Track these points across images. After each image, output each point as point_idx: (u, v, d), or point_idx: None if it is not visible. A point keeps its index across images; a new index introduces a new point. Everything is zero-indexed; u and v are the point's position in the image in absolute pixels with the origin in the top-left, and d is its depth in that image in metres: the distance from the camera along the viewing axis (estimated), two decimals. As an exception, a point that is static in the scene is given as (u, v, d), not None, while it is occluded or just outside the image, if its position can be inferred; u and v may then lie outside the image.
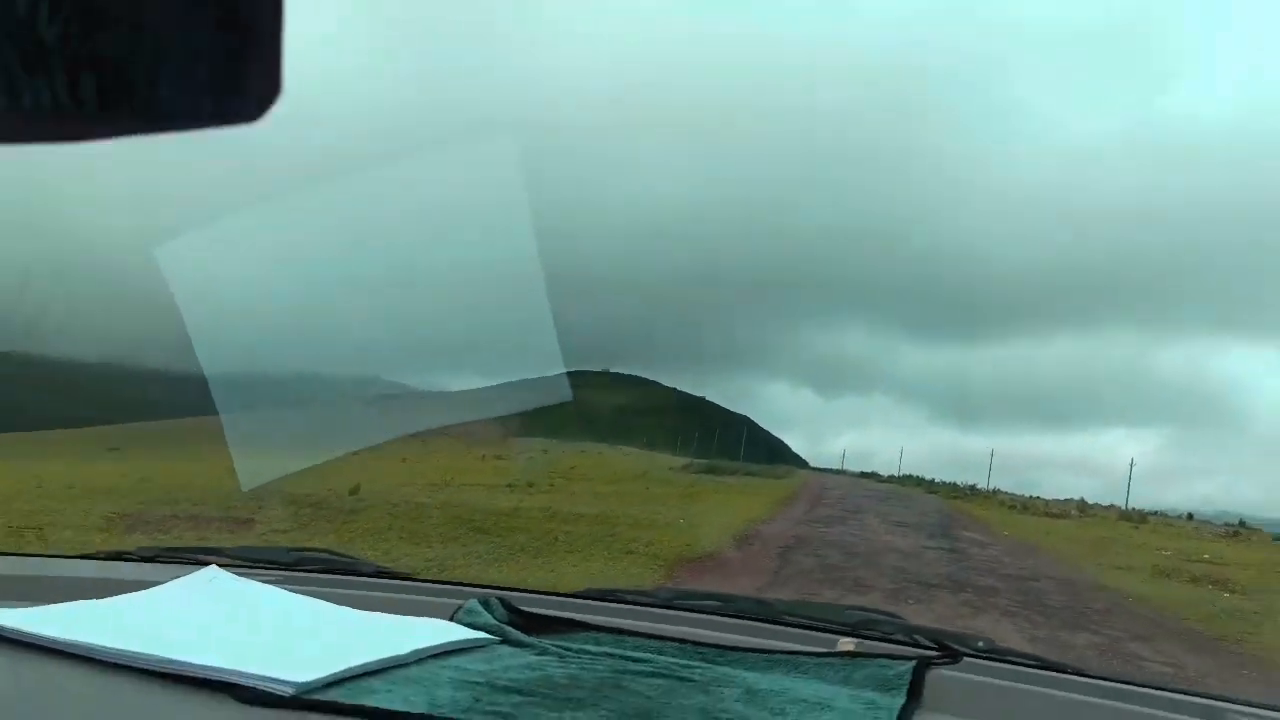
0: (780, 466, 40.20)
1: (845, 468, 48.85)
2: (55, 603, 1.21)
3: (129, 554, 1.70)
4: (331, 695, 0.98)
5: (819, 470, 47.08)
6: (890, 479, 41.08)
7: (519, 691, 1.05)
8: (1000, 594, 10.04)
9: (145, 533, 9.70)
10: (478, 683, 1.07)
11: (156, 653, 1.02)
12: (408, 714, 0.95)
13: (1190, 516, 31.80)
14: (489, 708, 0.98)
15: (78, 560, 1.70)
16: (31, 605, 1.18)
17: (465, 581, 1.79)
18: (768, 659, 1.28)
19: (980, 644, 1.47)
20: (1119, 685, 1.34)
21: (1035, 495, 33.18)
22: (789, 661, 1.28)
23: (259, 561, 1.67)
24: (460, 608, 1.40)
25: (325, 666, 1.02)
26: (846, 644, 1.40)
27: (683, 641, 1.33)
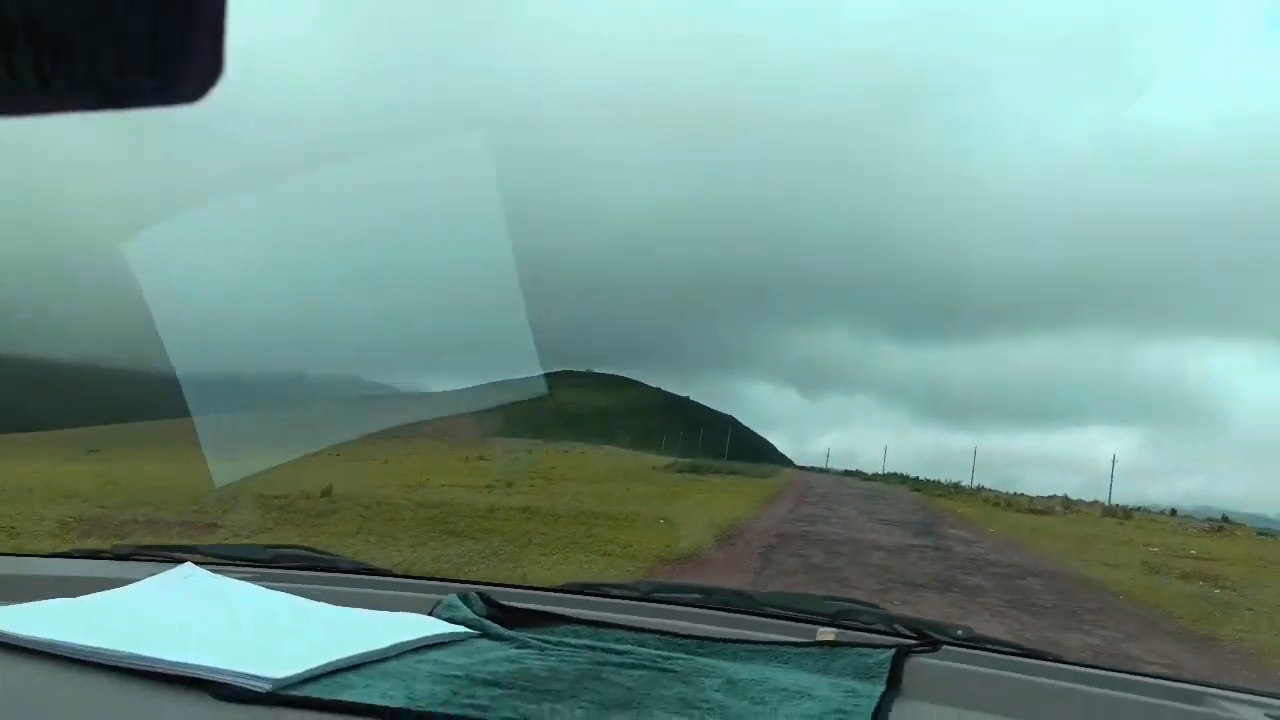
0: (764, 465, 39.95)
1: (830, 466, 48.70)
2: (28, 601, 1.20)
3: (104, 552, 1.69)
4: (309, 691, 0.96)
5: (803, 469, 46.82)
6: (874, 477, 40.93)
7: (498, 684, 1.04)
8: (988, 593, 9.71)
9: (100, 538, 9.24)
10: (456, 676, 1.06)
11: (132, 650, 1.00)
12: (385, 708, 0.94)
13: (1173, 512, 31.74)
14: (467, 701, 0.97)
15: (52, 559, 1.69)
16: (4, 604, 1.17)
17: (445, 577, 1.79)
18: (748, 650, 1.28)
19: (959, 632, 1.47)
20: (1097, 671, 1.34)
21: (1019, 492, 32.98)
22: (769, 652, 1.28)
23: (235, 559, 1.67)
24: (440, 602, 1.40)
25: (303, 662, 1.01)
26: (826, 634, 1.40)
27: (663, 633, 1.33)
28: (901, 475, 40.23)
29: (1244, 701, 1.22)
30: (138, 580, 1.36)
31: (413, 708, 0.94)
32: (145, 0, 0.30)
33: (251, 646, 1.08)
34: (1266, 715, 1.17)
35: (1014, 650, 1.43)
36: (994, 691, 1.19)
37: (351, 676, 1.03)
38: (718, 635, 1.34)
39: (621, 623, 1.38)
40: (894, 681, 1.18)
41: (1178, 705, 1.19)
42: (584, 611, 1.44)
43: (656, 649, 1.27)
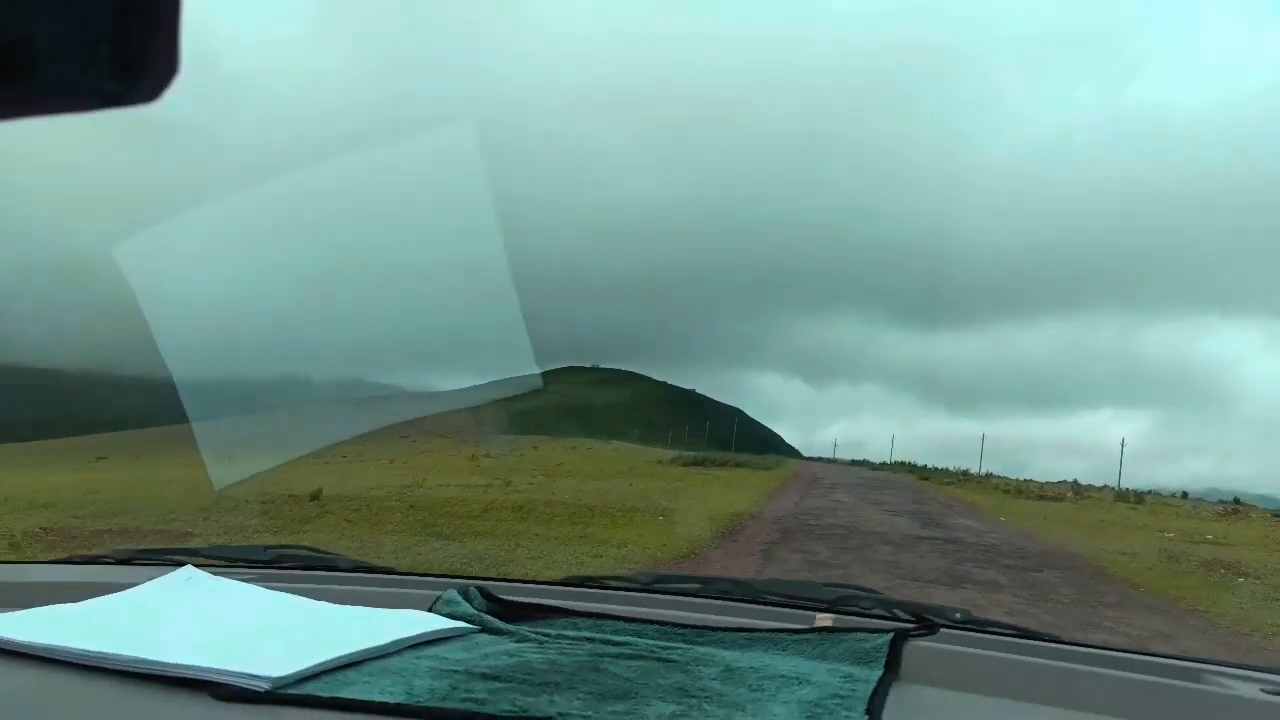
0: (770, 456, 39.43)
1: (837, 456, 48.09)
2: (30, 608, 1.21)
3: (105, 557, 1.71)
4: (308, 689, 0.97)
5: (810, 459, 46.20)
6: (882, 466, 40.36)
7: (497, 678, 1.04)
8: (1002, 588, 9.13)
9: (66, 549, 8.70)
10: (456, 671, 1.06)
11: (132, 653, 1.01)
12: (385, 704, 0.94)
13: (1184, 495, 31.02)
14: (465, 695, 0.97)
15: (53, 565, 1.71)
16: (6, 611, 1.19)
17: (444, 573, 1.85)
18: (747, 638, 1.29)
19: (957, 615, 1.49)
20: (1096, 651, 1.36)
21: (1028, 478, 32.33)
22: (768, 639, 1.28)
23: (236, 560, 1.69)
24: (439, 598, 1.40)
25: (302, 661, 1.01)
26: (824, 620, 1.40)
27: (662, 624, 1.33)
28: (909, 464, 39.59)
29: (1240, 677, 1.24)
30: (138, 584, 1.37)
31: (412, 703, 0.94)
32: (103, 1, 0.30)
33: (251, 646, 1.07)
34: (1262, 690, 1.17)
35: (1012, 632, 1.45)
36: (993, 674, 1.20)
37: (351, 674, 1.03)
38: (716, 624, 1.34)
39: (621, 614, 1.37)
40: (892, 665, 1.19)
41: (1175, 683, 1.19)
42: (583, 604, 1.44)
43: (655, 639, 1.28)
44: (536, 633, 1.27)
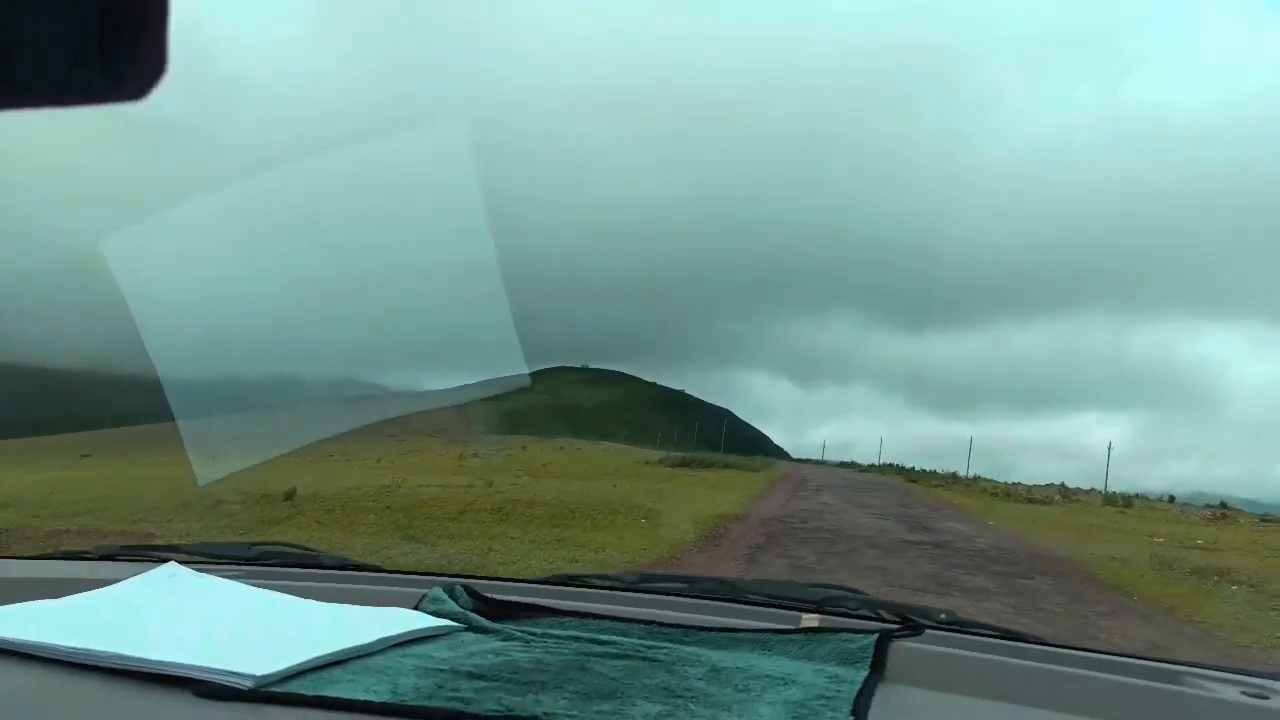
0: (758, 458, 39.08)
1: (826, 458, 47.79)
2: (11, 603, 1.20)
3: (87, 553, 1.69)
4: (292, 687, 0.96)
5: (799, 461, 45.91)
6: (870, 468, 40.09)
7: (482, 677, 1.03)
8: (991, 596, 8.85)
9: (17, 551, 8.20)
10: (441, 670, 1.05)
11: (114, 650, 1.00)
12: (369, 703, 0.93)
13: (1172, 499, 30.78)
14: (451, 694, 0.96)
15: (35, 561, 1.68)
16: None
17: (430, 570, 1.76)
18: (732, 637, 1.29)
19: (942, 615, 1.49)
20: (1079, 653, 1.37)
21: (1016, 481, 32.03)
22: (754, 639, 1.28)
23: (220, 557, 1.68)
24: (425, 596, 1.39)
25: (286, 659, 1.00)
26: (810, 620, 1.40)
27: (648, 623, 1.33)
28: (897, 466, 39.30)
29: (1221, 680, 1.24)
30: (121, 580, 1.35)
31: (396, 702, 0.93)
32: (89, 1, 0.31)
33: (234, 644, 1.07)
34: (1242, 693, 1.18)
35: (997, 633, 1.46)
36: (977, 674, 1.20)
37: (335, 672, 1.02)
38: (703, 624, 1.34)
39: (607, 613, 1.37)
40: (877, 666, 1.20)
41: (1157, 685, 1.20)
42: (570, 603, 1.44)
43: (641, 638, 1.28)
44: (522, 631, 1.28)
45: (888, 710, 1.06)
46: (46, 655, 1.00)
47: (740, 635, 1.28)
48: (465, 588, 1.42)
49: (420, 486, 16.82)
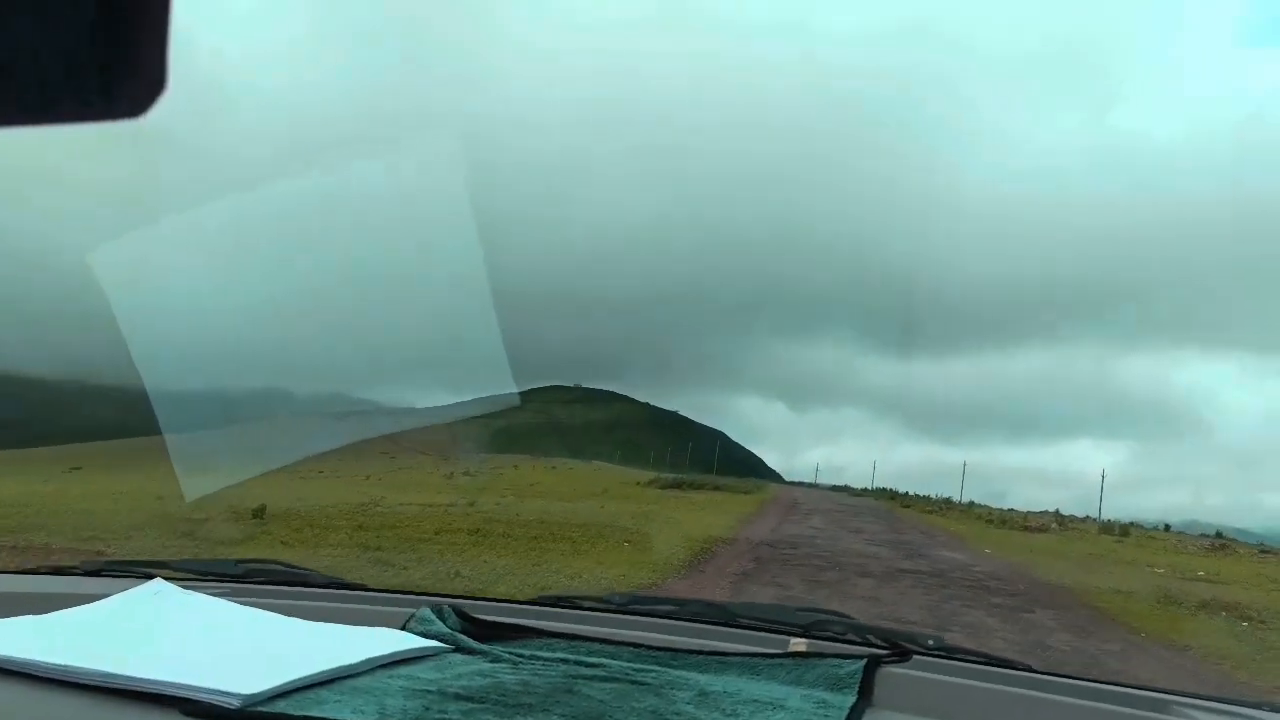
0: (749, 480, 38.58)
1: (818, 481, 47.24)
2: None
3: (73, 568, 1.64)
4: (279, 707, 0.94)
5: (792, 484, 45.33)
6: (863, 492, 39.51)
7: (470, 699, 1.02)
8: (993, 634, 8.16)
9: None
10: (429, 691, 1.04)
11: (100, 667, 0.97)
12: None
13: (1168, 528, 30.32)
14: (439, 716, 0.95)
15: (19, 575, 1.62)
16: None
17: (418, 590, 1.74)
18: (721, 661, 1.27)
19: (930, 641, 1.48)
20: (1067, 681, 1.36)
21: (1011, 508, 31.40)
22: (742, 663, 1.27)
23: (206, 574, 1.65)
24: (413, 616, 1.38)
25: (273, 678, 0.99)
26: (798, 644, 1.40)
27: (636, 646, 1.32)
28: (890, 490, 38.67)
29: (1208, 709, 1.22)
30: (107, 596, 1.32)
31: None
32: (88, 15, 0.30)
33: (221, 662, 1.04)
34: None
35: (985, 660, 1.44)
36: (965, 701, 1.19)
37: (323, 692, 1.00)
38: (691, 647, 1.32)
39: (595, 635, 1.36)
40: (865, 692, 1.18)
41: (1144, 714, 1.18)
42: (558, 624, 1.42)
43: (629, 661, 1.26)
44: (510, 653, 1.26)
45: None
46: (31, 672, 0.98)
47: (729, 659, 1.27)
48: (453, 608, 1.40)
49: (401, 505, 16.14)
